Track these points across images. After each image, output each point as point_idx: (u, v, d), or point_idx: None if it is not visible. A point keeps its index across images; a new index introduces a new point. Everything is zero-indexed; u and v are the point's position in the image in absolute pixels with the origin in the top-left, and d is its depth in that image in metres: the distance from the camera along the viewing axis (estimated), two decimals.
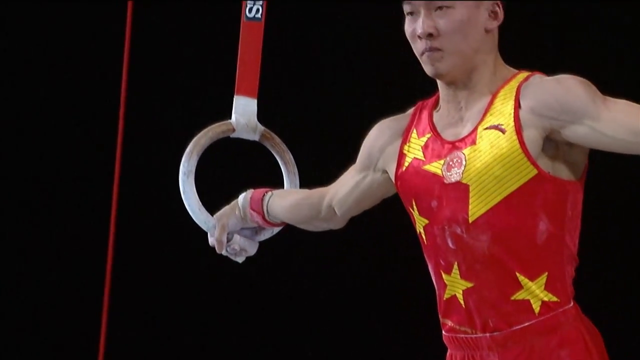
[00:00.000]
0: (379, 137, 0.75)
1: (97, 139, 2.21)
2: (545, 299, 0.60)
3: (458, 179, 0.61)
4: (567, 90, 0.59)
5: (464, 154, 0.61)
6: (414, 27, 0.63)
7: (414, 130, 0.69)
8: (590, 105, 0.56)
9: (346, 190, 0.81)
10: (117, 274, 1.68)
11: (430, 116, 0.69)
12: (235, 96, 0.97)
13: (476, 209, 0.59)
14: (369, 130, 0.80)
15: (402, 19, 0.67)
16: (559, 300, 0.60)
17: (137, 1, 1.39)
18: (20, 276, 2.34)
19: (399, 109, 0.79)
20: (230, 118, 0.97)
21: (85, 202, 2.30)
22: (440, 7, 0.61)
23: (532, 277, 0.59)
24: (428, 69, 0.64)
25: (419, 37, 0.63)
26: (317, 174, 0.99)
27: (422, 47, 0.63)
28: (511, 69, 0.67)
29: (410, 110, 0.73)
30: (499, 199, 0.58)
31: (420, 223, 0.66)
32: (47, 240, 2.35)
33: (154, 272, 2.30)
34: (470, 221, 0.60)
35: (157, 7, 2.09)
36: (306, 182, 0.98)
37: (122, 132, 1.50)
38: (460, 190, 0.61)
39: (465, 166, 0.61)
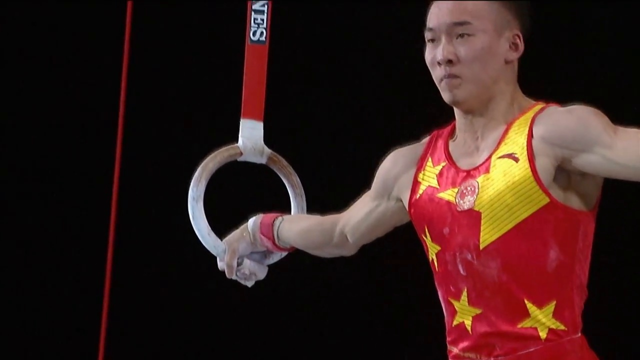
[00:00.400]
0: (394, 165, 0.76)
1: (95, 152, 2.20)
2: (553, 326, 0.60)
3: (470, 206, 0.61)
4: (579, 119, 0.59)
5: (477, 182, 0.62)
6: (434, 54, 0.64)
7: (429, 159, 0.70)
8: (602, 134, 0.56)
9: (359, 218, 0.81)
10: (116, 285, 1.68)
11: (446, 145, 0.69)
12: (241, 119, 0.97)
13: (487, 235, 0.60)
14: (376, 154, 0.80)
15: (423, 47, 0.68)
16: (566, 329, 0.60)
17: (136, 31, 1.38)
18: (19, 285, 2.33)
19: (407, 133, 0.79)
20: (236, 141, 0.97)
21: (86, 212, 2.28)
22: (461, 35, 0.62)
23: (540, 305, 0.59)
24: (446, 96, 0.64)
25: (438, 63, 0.63)
26: (324, 196, 1.00)
27: (441, 74, 0.63)
28: (530, 100, 0.67)
29: (426, 139, 0.74)
30: (510, 226, 0.58)
31: (432, 250, 0.67)
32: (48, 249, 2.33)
33: (154, 284, 2.30)
34: (481, 248, 0.60)
35: (157, 40, 2.09)
36: (313, 204, 0.99)
37: (120, 151, 1.49)
38: (472, 217, 0.61)
39: (477, 194, 0.61)
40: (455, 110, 0.67)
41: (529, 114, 0.63)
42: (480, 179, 0.62)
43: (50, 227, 2.34)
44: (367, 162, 0.84)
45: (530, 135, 0.61)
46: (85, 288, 2.18)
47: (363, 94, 2.23)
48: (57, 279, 2.32)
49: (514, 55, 0.66)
